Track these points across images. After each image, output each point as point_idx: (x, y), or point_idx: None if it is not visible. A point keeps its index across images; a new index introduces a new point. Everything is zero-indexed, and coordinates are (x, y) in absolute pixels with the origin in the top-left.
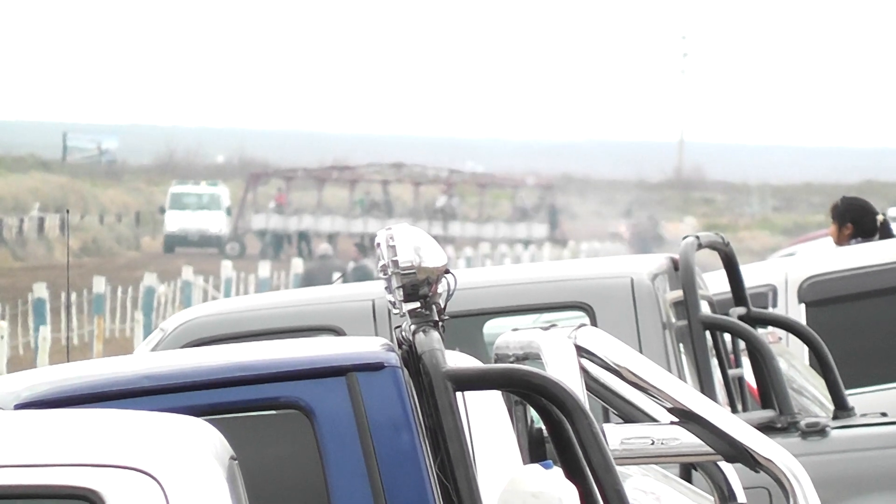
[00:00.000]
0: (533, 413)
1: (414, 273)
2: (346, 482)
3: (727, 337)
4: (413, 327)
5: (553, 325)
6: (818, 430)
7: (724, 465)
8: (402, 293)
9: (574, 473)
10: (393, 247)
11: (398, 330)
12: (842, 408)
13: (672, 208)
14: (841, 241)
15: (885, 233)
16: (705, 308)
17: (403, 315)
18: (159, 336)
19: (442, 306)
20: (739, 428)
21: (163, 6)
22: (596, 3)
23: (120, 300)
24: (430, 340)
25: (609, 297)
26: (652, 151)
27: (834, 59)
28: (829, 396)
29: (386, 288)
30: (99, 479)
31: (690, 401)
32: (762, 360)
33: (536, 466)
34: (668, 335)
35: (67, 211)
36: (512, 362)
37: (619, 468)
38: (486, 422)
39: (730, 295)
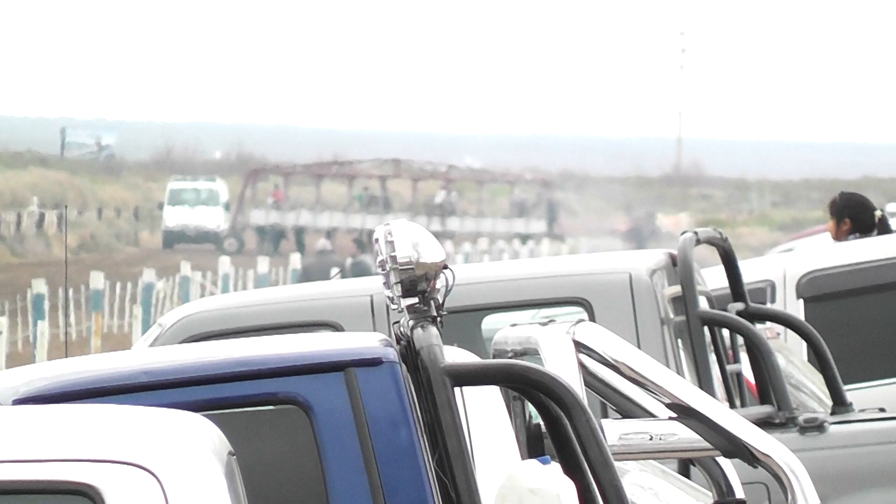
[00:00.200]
0: (531, 408)
1: (412, 269)
2: (344, 477)
3: (725, 332)
4: (411, 323)
5: (551, 321)
6: (816, 426)
7: (722, 460)
8: (400, 289)
9: (572, 469)
10: (391, 242)
11: (396, 325)
12: (840, 403)
13: (670, 204)
14: (839, 236)
15: (882, 228)
16: (703, 304)
17: (402, 311)
18: (157, 331)
19: (440, 302)
20: (737, 423)
21: (161, 2)
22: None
23: (118, 296)
24: (428, 336)
25: (607, 292)
26: (650, 147)
27: (832, 55)
28: (828, 392)
29: (384, 283)
30: (97, 474)
31: (689, 396)
32: (760, 356)
33: (534, 462)
34: (667, 331)
35: (66, 207)
36: (510, 358)
37: (617, 464)
38: (485, 417)
39: (728, 291)
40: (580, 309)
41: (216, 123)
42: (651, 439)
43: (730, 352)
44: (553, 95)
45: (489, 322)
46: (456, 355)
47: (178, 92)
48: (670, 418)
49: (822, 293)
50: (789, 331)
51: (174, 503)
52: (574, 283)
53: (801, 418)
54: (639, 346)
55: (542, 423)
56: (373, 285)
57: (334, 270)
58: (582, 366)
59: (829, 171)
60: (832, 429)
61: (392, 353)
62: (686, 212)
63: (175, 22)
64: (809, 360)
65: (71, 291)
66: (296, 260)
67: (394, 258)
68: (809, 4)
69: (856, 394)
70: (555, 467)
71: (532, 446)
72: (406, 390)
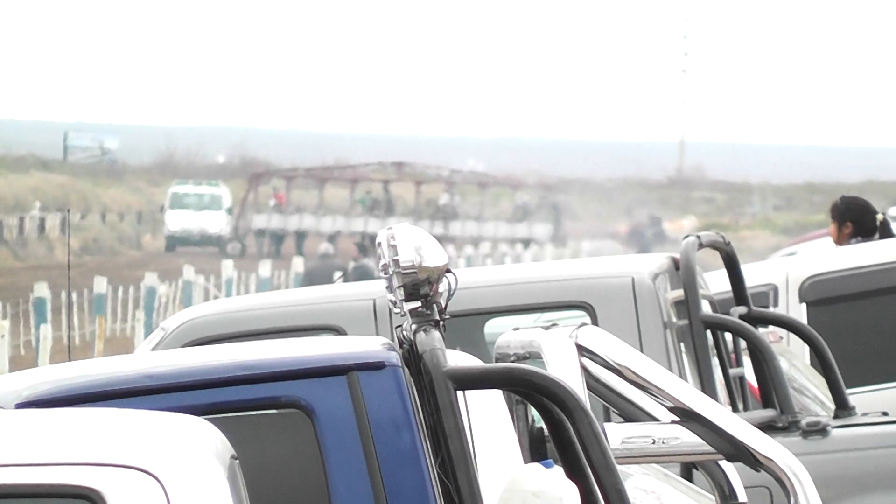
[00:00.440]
0: (534, 412)
1: (415, 272)
2: (346, 481)
3: (728, 336)
4: (414, 326)
5: (554, 325)
6: (819, 430)
7: (724, 464)
8: (403, 292)
9: (575, 472)
10: (394, 246)
11: (399, 329)
12: (842, 407)
13: (673, 208)
14: (840, 240)
15: (884, 232)
16: (706, 307)
17: (404, 314)
18: (160, 335)
19: (443, 305)
20: (740, 427)
21: (164, 5)
22: (597, 3)
23: (121, 300)
24: (431, 340)
25: (610, 296)
26: (653, 151)
27: (835, 59)
28: (830, 396)
29: (387, 287)
30: (100, 478)
31: (691, 400)
32: (763, 360)
33: (537, 465)
34: (669, 334)
35: (68, 210)
36: (513, 361)
37: (619, 467)
38: (487, 421)
39: (731, 294)
40: (583, 313)
41: (219, 127)
42: (654, 443)
43: (732, 355)
44: (556, 99)
45: (492, 326)
46: (459, 359)
47: (180, 96)
48: (673, 422)
49: (824, 297)
50: (792, 334)
51: None
52: (577, 286)
53: (803, 422)
54: (641, 350)
55: (544, 426)
56: (375, 289)
57: (337, 274)
58: (585, 369)
59: (832, 174)
60: (835, 432)
61: (395, 357)
62: (690, 215)
63: (178, 26)
64: (812, 364)
65: (74, 295)
66: (298, 264)
67: (396, 262)
68: (812, 8)
69: (858, 397)
70: (557, 471)
71: (535, 450)
72: (409, 394)
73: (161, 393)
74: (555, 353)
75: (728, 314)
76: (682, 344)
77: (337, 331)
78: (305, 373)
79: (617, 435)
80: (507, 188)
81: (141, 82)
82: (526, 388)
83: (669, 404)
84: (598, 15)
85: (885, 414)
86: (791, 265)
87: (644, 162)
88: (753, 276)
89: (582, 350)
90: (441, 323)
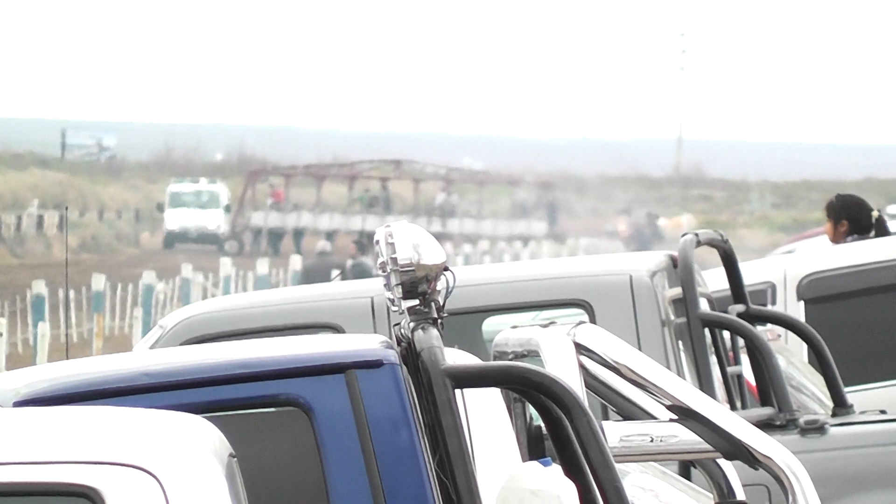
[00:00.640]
0: (532, 410)
1: (413, 270)
2: (344, 479)
3: (726, 334)
4: (412, 324)
5: (552, 323)
6: (817, 428)
7: (723, 462)
8: (401, 290)
9: (573, 470)
10: (392, 244)
11: (397, 327)
12: (841, 405)
13: (671, 205)
14: (836, 238)
15: (879, 229)
16: (704, 305)
17: (402, 312)
18: (158, 333)
19: (441, 303)
20: (738, 425)
21: (162, 3)
22: (595, 0)
23: (119, 297)
24: (428, 338)
25: (608, 294)
26: (650, 148)
27: (833, 56)
28: (828, 394)
29: (385, 285)
30: (98, 476)
31: (689, 398)
32: (761, 358)
33: (535, 463)
34: (667, 332)
35: (66, 208)
36: (511, 359)
37: (617, 465)
38: (485, 419)
39: (729, 292)
40: (581, 311)
41: (217, 125)
42: (652, 441)
43: (730, 353)
44: (553, 97)
45: (490, 324)
46: (457, 357)
47: (178, 93)
48: (671, 420)
49: (822, 295)
50: (790, 332)
51: None
52: (575, 284)
53: (801, 420)
54: (639, 348)
55: (542, 424)
56: (373, 287)
57: (335, 272)
58: (582, 367)
59: (830, 172)
60: (833, 430)
61: (393, 355)
62: (688, 213)
63: (176, 23)
64: (810, 362)
65: (72, 293)
66: (296, 261)
67: (394, 260)
68: (810, 5)
69: (856, 395)
70: (556, 469)
71: (533, 448)
72: (407, 392)
73: (159, 391)
74: (553, 351)
75: (726, 312)
76: (680, 342)
77: (335, 329)
78: (303, 371)
79: (615, 433)
80: (505, 186)
81: (139, 80)
82: (524, 386)
83: (667, 402)
84: (596, 12)
85: (883, 412)
86: (789, 263)
87: (642, 160)
88: (751, 273)
89: (580, 348)
90: (439, 321)
